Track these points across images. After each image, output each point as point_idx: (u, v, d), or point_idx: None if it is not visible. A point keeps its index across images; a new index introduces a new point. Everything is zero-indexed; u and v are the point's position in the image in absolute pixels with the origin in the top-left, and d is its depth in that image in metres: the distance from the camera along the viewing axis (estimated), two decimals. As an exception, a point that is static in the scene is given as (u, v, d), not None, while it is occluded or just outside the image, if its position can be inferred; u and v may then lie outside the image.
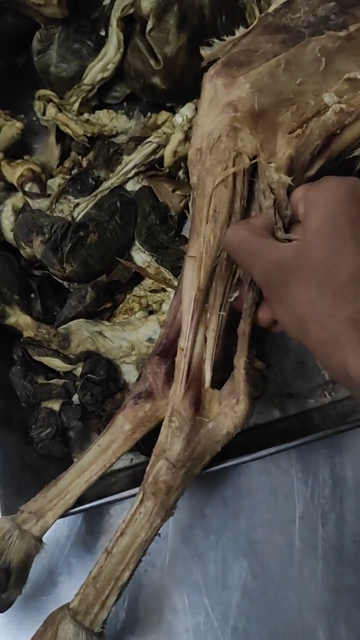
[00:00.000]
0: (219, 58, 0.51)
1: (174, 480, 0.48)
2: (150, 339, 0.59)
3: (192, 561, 0.60)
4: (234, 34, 0.56)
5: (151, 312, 0.62)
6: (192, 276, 0.49)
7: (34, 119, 0.72)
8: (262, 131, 0.48)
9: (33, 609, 0.59)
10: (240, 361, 0.49)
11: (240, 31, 0.53)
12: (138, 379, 0.53)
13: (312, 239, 0.40)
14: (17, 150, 0.69)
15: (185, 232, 0.66)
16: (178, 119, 0.65)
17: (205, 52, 0.54)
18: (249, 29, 0.51)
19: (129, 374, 0.59)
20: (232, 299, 0.49)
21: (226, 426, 0.49)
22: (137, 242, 0.63)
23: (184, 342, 0.49)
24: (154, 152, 0.65)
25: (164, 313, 0.61)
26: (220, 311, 0.49)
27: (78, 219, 0.62)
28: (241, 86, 0.48)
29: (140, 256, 0.63)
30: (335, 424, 0.57)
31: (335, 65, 0.49)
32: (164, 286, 0.62)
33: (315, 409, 0.63)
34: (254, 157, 0.48)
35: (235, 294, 0.49)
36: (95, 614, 0.47)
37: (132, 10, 0.63)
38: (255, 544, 0.61)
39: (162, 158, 0.65)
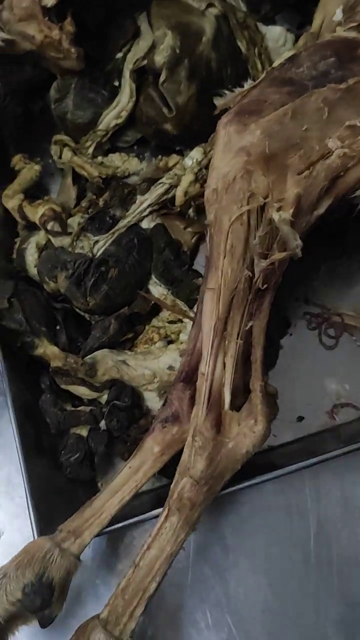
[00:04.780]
0: (230, 107, 0.56)
1: (198, 497, 0.51)
2: (170, 367, 0.62)
3: (213, 579, 0.63)
4: (239, 84, 0.61)
5: (170, 342, 0.66)
6: (211, 307, 0.53)
7: (50, 161, 0.76)
8: (273, 173, 0.53)
9: (61, 629, 0.60)
10: (255, 385, 0.53)
11: (248, 83, 0.58)
12: (164, 405, 0.56)
13: None
14: (35, 191, 0.73)
15: (197, 266, 0.71)
16: (188, 161, 0.69)
17: (218, 101, 0.59)
18: (258, 81, 0.56)
19: (152, 400, 0.63)
20: (248, 327, 0.53)
21: (245, 445, 0.53)
22: (153, 277, 0.68)
23: (204, 368, 0.53)
24: (166, 192, 0.69)
25: (182, 342, 0.64)
26: (237, 339, 0.53)
27: (98, 255, 0.66)
28: (253, 132, 0.53)
29: (157, 289, 0.67)
30: (343, 444, 0.60)
31: (337, 113, 0.54)
32: (180, 317, 0.66)
33: (325, 430, 0.67)
34: (267, 196, 0.53)
35: (251, 323, 0.53)
36: (124, 624, 0.50)
37: (143, 63, 0.68)
38: (273, 562, 0.63)
39: (173, 198, 0.69)
